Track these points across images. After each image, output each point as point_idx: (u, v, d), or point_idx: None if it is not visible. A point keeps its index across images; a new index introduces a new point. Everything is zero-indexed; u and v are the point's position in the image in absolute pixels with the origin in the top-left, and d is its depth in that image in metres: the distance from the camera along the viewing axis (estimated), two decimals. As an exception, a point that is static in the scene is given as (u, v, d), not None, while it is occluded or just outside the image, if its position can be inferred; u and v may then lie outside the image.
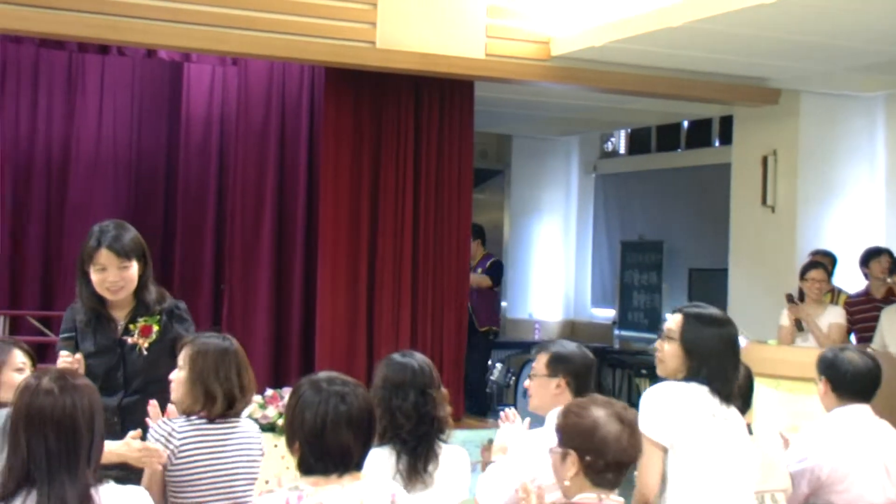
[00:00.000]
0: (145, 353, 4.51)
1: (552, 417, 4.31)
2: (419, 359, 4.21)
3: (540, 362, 4.44)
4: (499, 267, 11.26)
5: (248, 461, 4.15)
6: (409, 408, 4.03)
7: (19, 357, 4.03)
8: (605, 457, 3.33)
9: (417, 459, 4.00)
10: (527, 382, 4.52)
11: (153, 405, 4.16)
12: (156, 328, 4.56)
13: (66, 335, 4.44)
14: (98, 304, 4.52)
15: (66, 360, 4.27)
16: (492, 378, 10.97)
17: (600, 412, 3.37)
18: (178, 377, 4.11)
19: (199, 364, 4.08)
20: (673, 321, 4.13)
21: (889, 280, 8.62)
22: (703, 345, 4.02)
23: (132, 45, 9.50)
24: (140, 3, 7.93)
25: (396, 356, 4.22)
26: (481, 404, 10.21)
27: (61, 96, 12.41)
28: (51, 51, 11.70)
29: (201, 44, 8.38)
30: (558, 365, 4.39)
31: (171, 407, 4.20)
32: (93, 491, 2.94)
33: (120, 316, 4.56)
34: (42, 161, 12.32)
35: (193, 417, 4.08)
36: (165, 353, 4.50)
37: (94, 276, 4.47)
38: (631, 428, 3.42)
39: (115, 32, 8.10)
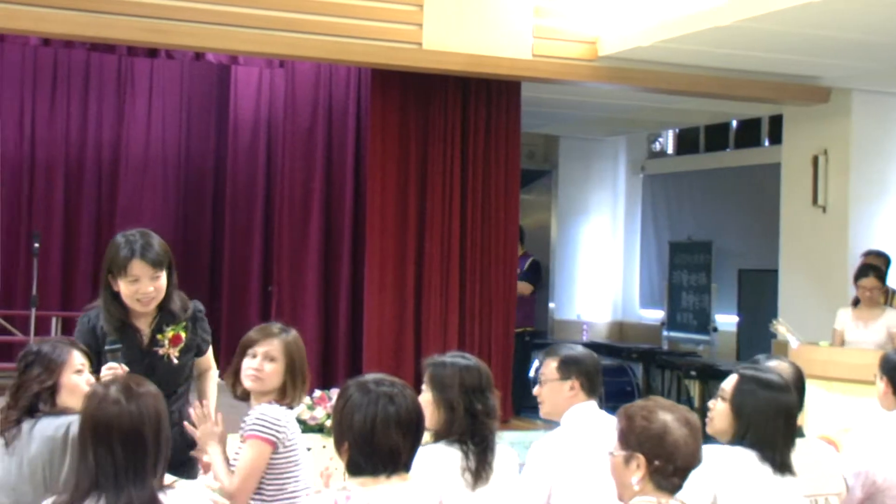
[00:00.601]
0: (175, 361, 4.47)
1: (568, 419, 4.33)
2: (476, 360, 4.22)
3: (549, 367, 4.41)
4: (537, 267, 11.21)
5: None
6: (486, 409, 4.04)
7: (78, 358, 3.96)
8: (674, 462, 3.28)
9: (485, 457, 4.00)
10: (536, 390, 4.48)
11: (198, 405, 4.17)
12: (184, 335, 4.51)
13: (112, 346, 4.32)
14: (124, 315, 4.44)
15: (115, 369, 4.19)
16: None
17: (668, 416, 3.32)
18: (272, 368, 4.11)
19: (298, 355, 4.16)
20: (729, 381, 3.97)
21: None
22: (754, 409, 3.85)
23: (180, 49, 9.58)
24: (188, 6, 7.99)
25: (464, 359, 4.19)
26: (518, 405, 10.16)
27: (111, 100, 12.57)
28: (101, 55, 11.83)
29: (249, 46, 8.44)
30: (570, 367, 4.37)
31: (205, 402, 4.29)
32: (160, 496, 2.99)
33: (144, 326, 4.48)
34: (93, 164, 12.49)
35: (276, 405, 4.12)
36: (192, 358, 4.56)
37: (127, 288, 4.37)
38: (696, 432, 3.37)
39: (164, 36, 8.17)
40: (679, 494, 3.42)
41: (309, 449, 5.91)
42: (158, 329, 4.47)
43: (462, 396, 4.00)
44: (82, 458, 3.00)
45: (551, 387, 4.39)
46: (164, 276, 4.41)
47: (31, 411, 3.77)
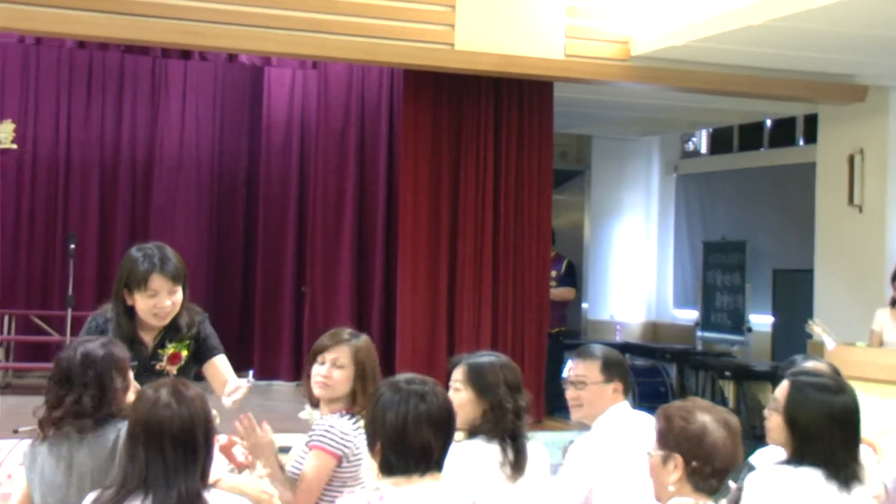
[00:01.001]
0: (174, 377, 4.35)
1: (604, 420, 4.31)
2: (506, 357, 4.22)
3: (592, 370, 4.37)
4: (573, 269, 11.18)
5: None
6: (523, 406, 4.05)
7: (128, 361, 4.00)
8: (712, 463, 3.25)
9: (522, 452, 4.01)
10: (571, 393, 4.43)
11: (244, 418, 4.03)
12: (185, 353, 4.46)
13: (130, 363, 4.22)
14: (134, 330, 4.40)
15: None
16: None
17: (707, 417, 3.28)
18: (340, 375, 4.09)
19: (368, 363, 4.13)
20: (780, 389, 3.76)
21: None
22: (808, 418, 3.61)
23: (214, 50, 9.64)
24: (221, 8, 8.02)
25: (498, 357, 4.19)
26: (551, 405, 10.13)
27: (145, 101, 12.65)
28: (136, 57, 11.92)
29: (282, 48, 8.47)
30: (612, 369, 4.35)
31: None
32: (206, 495, 3.05)
33: (148, 339, 4.44)
34: (127, 165, 12.58)
35: (346, 415, 4.11)
36: (191, 374, 4.49)
37: (144, 301, 4.34)
38: (735, 434, 3.31)
39: (198, 38, 8.22)
40: None
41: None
42: (161, 344, 4.44)
43: (508, 394, 4.01)
44: (132, 457, 3.06)
45: (595, 390, 4.35)
46: (180, 290, 4.39)
47: (77, 416, 3.73)
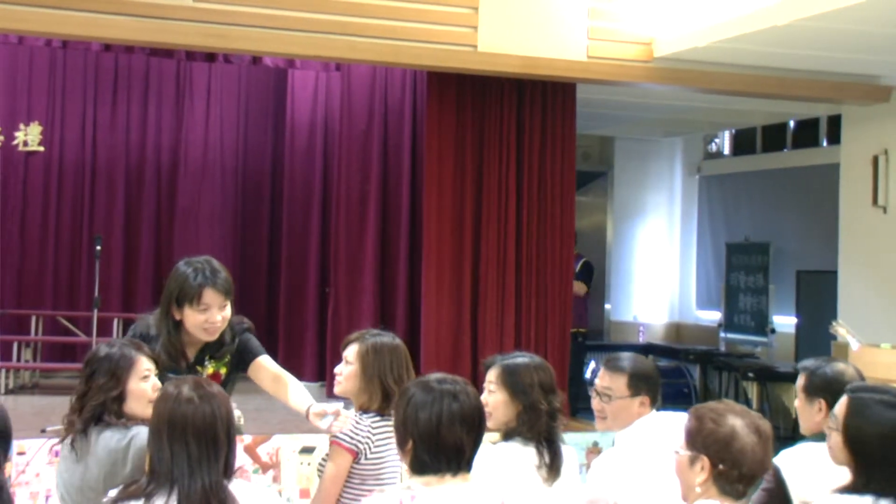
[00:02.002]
0: None
1: (630, 432, 4.23)
2: (540, 358, 4.20)
3: (618, 383, 4.26)
4: (590, 269, 11.16)
5: None
6: (557, 408, 4.04)
7: (145, 364, 3.84)
8: (740, 468, 3.19)
9: (558, 455, 4.00)
10: (597, 404, 4.33)
11: (341, 412, 4.08)
12: (223, 371, 4.44)
13: (172, 375, 4.11)
14: (180, 344, 4.36)
15: None
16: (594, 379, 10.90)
17: (738, 421, 3.21)
18: (347, 372, 4.13)
19: (372, 361, 4.15)
20: (839, 406, 3.43)
21: None
22: (873, 438, 3.28)
23: (238, 53, 9.68)
24: (245, 10, 8.05)
25: (531, 359, 4.16)
26: (574, 406, 10.12)
27: (170, 104, 12.71)
28: (160, 60, 11.98)
29: (305, 50, 8.48)
30: (640, 383, 4.25)
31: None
32: (229, 487, 3.11)
33: (191, 353, 4.41)
34: (152, 167, 12.65)
35: (368, 413, 4.14)
36: (231, 383, 4.48)
37: (195, 316, 4.29)
38: (766, 440, 3.22)
39: (222, 40, 8.23)
40: None
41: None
42: (200, 360, 4.41)
43: (542, 396, 4.00)
44: (157, 451, 3.12)
45: (620, 404, 4.26)
46: (229, 306, 4.35)
47: (97, 419, 3.75)
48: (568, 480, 4.07)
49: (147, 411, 3.62)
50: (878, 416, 3.33)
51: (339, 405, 4.10)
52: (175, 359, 4.32)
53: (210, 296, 4.27)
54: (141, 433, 3.66)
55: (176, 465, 3.07)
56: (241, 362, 4.45)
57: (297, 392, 4.35)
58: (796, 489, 4.09)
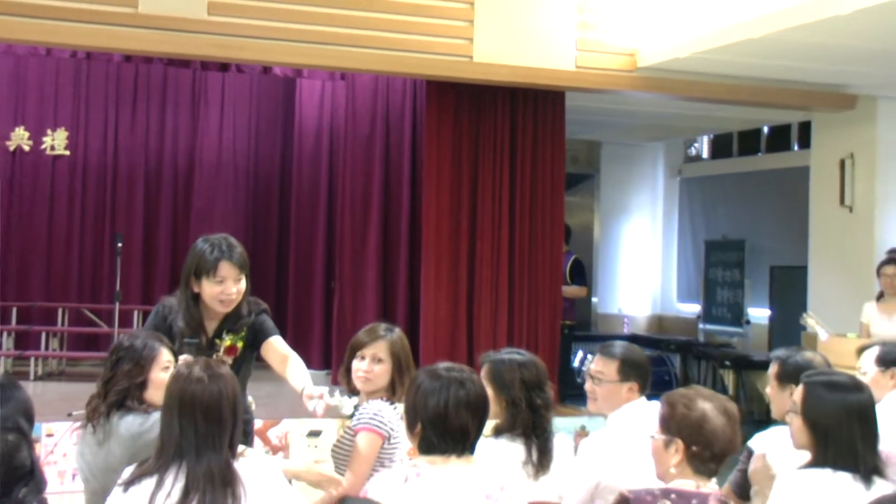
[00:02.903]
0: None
1: (618, 416, 4.22)
2: (531, 355, 4.17)
3: (609, 368, 4.25)
4: (581, 267, 11.14)
5: None
6: (545, 402, 4.02)
7: (166, 356, 3.89)
8: (711, 448, 3.25)
9: (546, 448, 3.99)
10: (589, 386, 4.33)
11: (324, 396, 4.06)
12: (240, 346, 4.41)
13: (190, 340, 4.26)
14: (199, 315, 4.36)
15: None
16: (583, 368, 10.91)
17: (707, 405, 3.27)
18: (380, 370, 4.10)
19: (401, 355, 4.16)
20: (798, 392, 3.60)
21: None
22: (827, 417, 3.45)
23: (250, 63, 9.66)
24: (256, 24, 8.06)
25: (520, 355, 4.14)
26: (563, 394, 10.13)
27: (186, 111, 12.71)
28: (177, 69, 11.97)
29: (312, 60, 8.50)
30: (629, 370, 4.23)
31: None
32: (234, 464, 3.11)
33: (210, 327, 4.41)
34: (170, 170, 12.65)
35: (387, 402, 4.14)
36: (244, 363, 4.44)
37: (211, 288, 4.29)
38: (734, 421, 3.29)
39: (235, 51, 8.25)
40: None
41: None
42: (218, 334, 4.40)
43: (523, 392, 3.98)
44: (168, 428, 3.12)
45: (610, 388, 4.25)
46: (244, 279, 4.35)
47: (120, 404, 3.78)
48: (561, 467, 4.05)
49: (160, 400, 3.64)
50: (828, 398, 3.50)
51: (325, 390, 4.09)
52: (195, 330, 4.32)
53: (226, 268, 4.27)
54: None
55: (185, 440, 3.07)
56: (255, 341, 4.41)
57: (296, 373, 4.32)
58: (767, 469, 4.12)
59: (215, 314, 4.36)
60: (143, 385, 3.80)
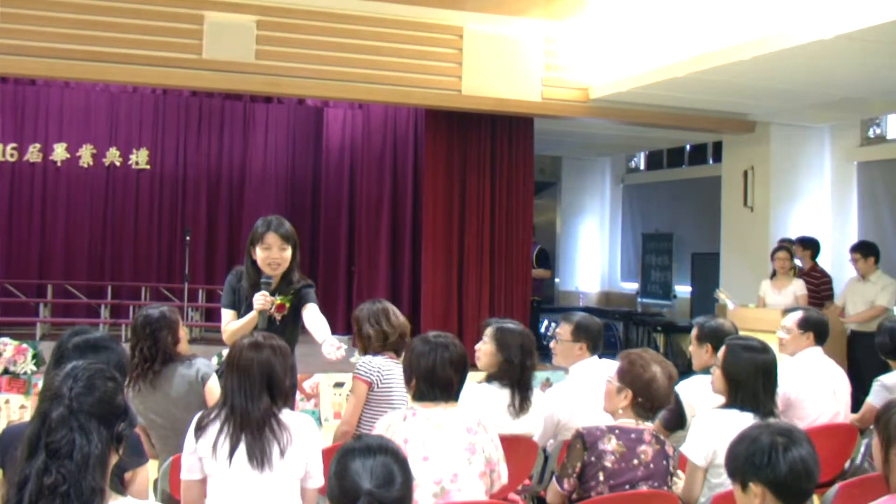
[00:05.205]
0: (277, 322, 4.24)
1: (574, 371, 4.27)
2: (528, 330, 4.13)
3: (565, 330, 4.30)
4: (545, 254, 11.15)
5: None
6: (533, 364, 3.98)
7: (180, 322, 4.05)
8: (653, 401, 3.35)
9: (527, 396, 3.96)
10: (553, 343, 4.37)
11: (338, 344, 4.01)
12: (288, 305, 4.29)
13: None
14: (257, 278, 4.25)
15: (265, 296, 4.15)
16: (548, 334, 10.94)
17: (658, 369, 3.35)
18: (290, 254, 4.27)
19: (358, 322, 4.41)
20: (721, 351, 3.63)
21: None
22: (740, 371, 3.48)
23: (288, 96, 9.65)
24: (293, 66, 8.08)
25: (519, 326, 4.10)
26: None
27: (239, 134, 12.71)
28: (232, 101, 11.97)
29: (337, 94, 8.47)
30: (580, 332, 4.27)
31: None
32: (279, 414, 3.02)
33: (268, 290, 4.27)
34: (226, 181, 12.65)
35: (376, 354, 4.28)
36: (291, 321, 4.33)
37: (261, 253, 4.21)
38: (673, 382, 3.40)
39: (276, 87, 8.26)
40: (689, 455, 3.38)
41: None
42: (273, 294, 4.31)
43: (519, 355, 3.95)
44: (228, 382, 3.05)
45: (565, 346, 4.30)
46: (289, 250, 4.27)
47: (165, 360, 3.90)
48: (536, 414, 4.04)
49: (186, 350, 3.96)
50: (742, 356, 3.52)
51: (336, 341, 4.02)
52: (254, 287, 4.25)
53: (271, 238, 4.22)
54: (201, 365, 3.90)
55: (242, 394, 2.99)
56: (299, 304, 4.35)
57: (320, 330, 4.23)
58: (689, 408, 4.17)
59: (268, 277, 4.28)
60: (175, 342, 3.94)
